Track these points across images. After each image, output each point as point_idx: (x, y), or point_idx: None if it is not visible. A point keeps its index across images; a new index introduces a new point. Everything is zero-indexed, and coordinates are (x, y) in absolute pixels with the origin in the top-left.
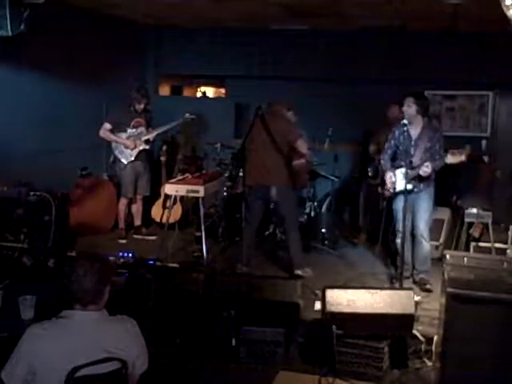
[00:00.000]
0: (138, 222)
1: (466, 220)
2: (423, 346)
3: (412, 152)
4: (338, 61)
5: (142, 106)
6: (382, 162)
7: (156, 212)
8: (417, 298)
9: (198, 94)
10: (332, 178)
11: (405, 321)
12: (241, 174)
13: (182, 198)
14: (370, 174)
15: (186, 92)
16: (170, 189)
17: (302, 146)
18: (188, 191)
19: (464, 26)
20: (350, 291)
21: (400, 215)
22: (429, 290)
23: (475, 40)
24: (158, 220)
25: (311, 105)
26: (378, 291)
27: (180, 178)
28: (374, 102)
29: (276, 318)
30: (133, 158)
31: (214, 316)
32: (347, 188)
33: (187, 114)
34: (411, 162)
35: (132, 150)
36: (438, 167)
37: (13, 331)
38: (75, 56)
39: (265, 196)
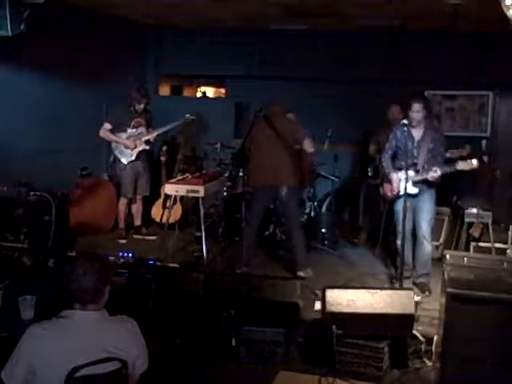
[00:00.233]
0: (138, 221)
1: (466, 220)
2: (423, 346)
3: (415, 154)
4: (338, 61)
5: (142, 106)
6: (383, 162)
7: (156, 212)
8: (417, 298)
9: (198, 94)
10: (332, 178)
11: (405, 321)
12: (241, 173)
13: (181, 197)
14: (369, 174)
15: (186, 92)
16: (170, 189)
17: (309, 144)
18: (188, 191)
19: (464, 26)
20: (349, 291)
21: (401, 216)
22: (429, 291)
23: (475, 40)
24: (158, 220)
25: (311, 105)
26: (378, 291)
27: (180, 178)
28: (374, 102)
29: (276, 318)
30: (133, 158)
31: (214, 316)
32: (347, 188)
33: (187, 115)
34: (415, 165)
35: (132, 150)
36: (447, 172)
37: (13, 331)
38: (75, 56)
39: (272, 196)
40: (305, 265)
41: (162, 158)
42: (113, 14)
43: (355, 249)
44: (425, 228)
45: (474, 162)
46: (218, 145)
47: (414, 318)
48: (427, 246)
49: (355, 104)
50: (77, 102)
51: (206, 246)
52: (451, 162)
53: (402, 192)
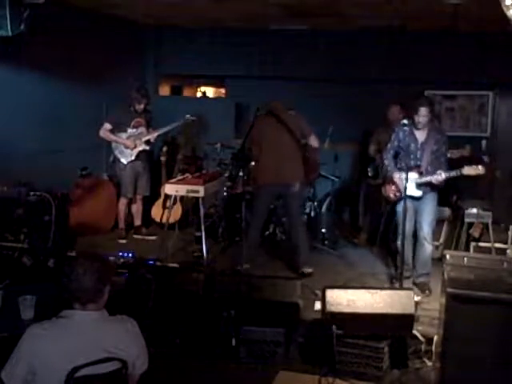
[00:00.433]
0: (138, 222)
1: (466, 220)
2: (423, 346)
3: (418, 156)
4: (338, 61)
5: (142, 106)
6: (385, 162)
7: (156, 212)
8: (417, 298)
9: (198, 94)
10: (332, 178)
11: (405, 321)
12: (241, 173)
13: (181, 197)
14: (369, 174)
15: (186, 92)
16: (170, 189)
17: (315, 139)
18: (188, 191)
19: (464, 26)
20: (350, 291)
21: (402, 217)
22: (429, 291)
23: (475, 40)
24: (158, 220)
25: (311, 105)
26: (378, 291)
27: (180, 178)
28: (374, 102)
29: (276, 317)
30: (133, 158)
31: (214, 316)
32: (347, 188)
33: (188, 115)
34: (418, 167)
35: (132, 150)
36: (452, 176)
37: (13, 331)
38: (75, 56)
39: (278, 194)
40: (308, 261)
41: (162, 158)
42: (113, 14)
43: (355, 249)
44: (426, 229)
45: (481, 167)
46: (218, 145)
47: (413, 317)
48: (428, 247)
49: (355, 104)
50: (77, 101)
51: (206, 246)
52: (456, 164)
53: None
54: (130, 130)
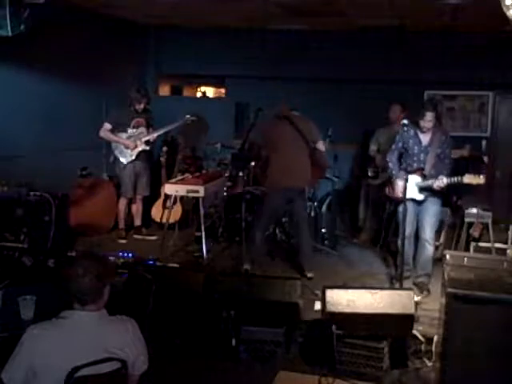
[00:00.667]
0: (138, 222)
1: (466, 220)
2: (423, 346)
3: (422, 159)
4: (338, 61)
5: (142, 106)
6: (389, 163)
7: (156, 212)
8: (417, 298)
9: (198, 94)
10: (332, 178)
11: (405, 321)
12: (241, 173)
13: (181, 197)
14: (369, 174)
15: (186, 92)
16: (170, 189)
17: (322, 146)
18: (188, 191)
19: (464, 26)
20: (350, 291)
21: (401, 217)
22: (428, 291)
23: (475, 40)
24: (158, 220)
25: (311, 105)
26: (378, 291)
27: (180, 178)
28: (374, 101)
29: (276, 318)
30: (133, 158)
31: (214, 316)
32: (347, 188)
33: (188, 116)
34: (422, 169)
35: (132, 150)
36: (453, 183)
37: (13, 331)
38: (75, 56)
39: (288, 198)
40: (309, 266)
41: (162, 159)
42: (113, 14)
43: (355, 249)
44: (428, 231)
45: (482, 177)
46: (218, 145)
47: (413, 318)
48: (429, 249)
49: (355, 104)
50: (77, 101)
51: (206, 246)
52: (456, 164)
53: (408, 196)
54: (130, 130)
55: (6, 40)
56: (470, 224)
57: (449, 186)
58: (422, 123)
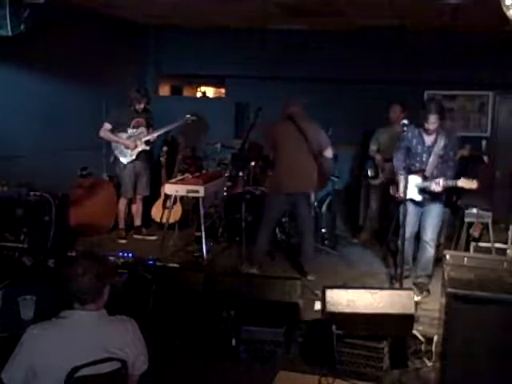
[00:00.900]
0: (138, 222)
1: (466, 220)
2: (423, 346)
3: (424, 159)
4: (338, 61)
5: (142, 106)
6: (394, 162)
7: (156, 212)
8: (417, 298)
9: (198, 94)
10: (332, 177)
11: (405, 321)
12: (241, 173)
13: (181, 197)
14: (369, 174)
15: (186, 92)
16: (170, 189)
17: (330, 152)
18: (188, 191)
19: (464, 26)
20: (350, 291)
21: (406, 219)
22: (427, 291)
23: (475, 40)
24: (158, 220)
25: (311, 105)
26: (378, 291)
27: (180, 178)
28: (374, 101)
29: (276, 317)
30: (133, 158)
31: (214, 316)
32: (347, 188)
33: (188, 115)
34: (423, 170)
35: (132, 150)
36: (448, 186)
37: (13, 331)
38: (75, 56)
39: (293, 203)
40: (311, 269)
41: (162, 159)
42: (113, 14)
43: (355, 249)
44: (429, 233)
45: (475, 182)
46: (218, 145)
47: (413, 318)
48: (430, 251)
49: (355, 104)
50: (77, 101)
51: (206, 246)
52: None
53: (408, 196)
54: (130, 130)
55: (6, 40)
56: (470, 224)
57: (449, 188)
58: (426, 125)
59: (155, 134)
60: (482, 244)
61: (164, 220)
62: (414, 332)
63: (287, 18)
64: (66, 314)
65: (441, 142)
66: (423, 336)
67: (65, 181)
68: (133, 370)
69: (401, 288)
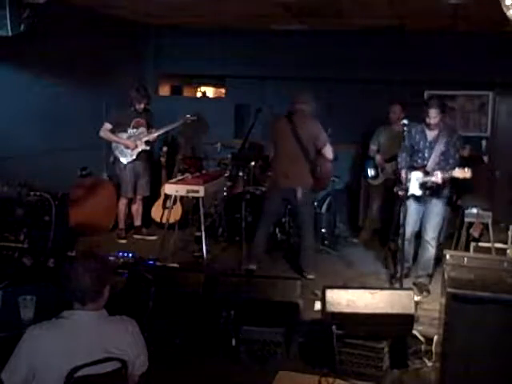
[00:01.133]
0: (138, 222)
1: (466, 220)
2: (423, 346)
3: (426, 155)
4: (338, 61)
5: (142, 106)
6: (398, 160)
7: (156, 212)
8: (417, 298)
9: (198, 94)
10: (332, 177)
11: (405, 321)
12: (241, 173)
13: (181, 198)
14: (369, 174)
15: (186, 92)
16: (170, 189)
17: (329, 151)
18: (188, 191)
19: (464, 25)
20: (350, 291)
21: (407, 218)
22: (427, 291)
23: (475, 40)
24: (158, 220)
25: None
26: (378, 291)
27: (180, 178)
28: (374, 102)
29: (276, 317)
30: (133, 158)
31: (214, 316)
32: (347, 188)
33: (188, 115)
34: (425, 166)
35: (132, 150)
36: (446, 178)
37: (13, 331)
38: (75, 56)
39: (288, 198)
40: (310, 268)
41: (162, 159)
42: (113, 14)
43: (355, 249)
44: (430, 233)
45: (468, 171)
46: (218, 145)
47: (413, 318)
48: (431, 251)
49: (355, 104)
50: (77, 101)
51: (206, 246)
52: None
53: (410, 192)
54: (130, 130)
55: (5, 40)
56: (470, 224)
57: (451, 188)
58: (427, 120)
59: (155, 134)
60: (481, 244)
61: (164, 220)
62: (414, 332)
63: (287, 18)
64: (65, 314)
65: (443, 139)
66: (423, 336)
67: (65, 181)
68: (133, 370)
69: (401, 288)
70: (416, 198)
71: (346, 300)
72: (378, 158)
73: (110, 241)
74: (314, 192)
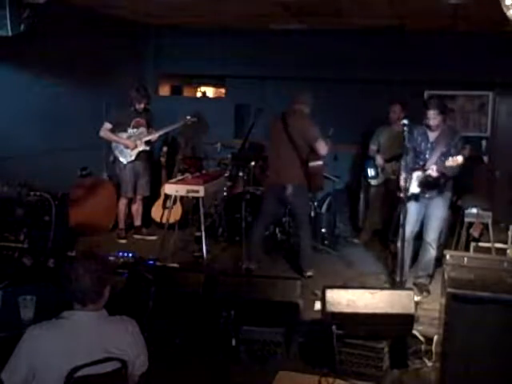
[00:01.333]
0: (137, 222)
1: (466, 220)
2: (423, 346)
3: (427, 156)
4: (338, 61)
5: (142, 106)
6: (402, 163)
7: (156, 212)
8: (417, 298)
9: (198, 94)
10: (332, 177)
11: (405, 321)
12: (241, 173)
13: (181, 197)
14: (369, 174)
15: (186, 92)
16: (170, 189)
17: (322, 147)
18: (188, 191)
19: (464, 25)
20: (350, 291)
21: (407, 219)
22: (427, 292)
23: (475, 40)
24: (158, 220)
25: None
26: (378, 291)
27: (180, 178)
28: (374, 102)
29: (276, 317)
30: (133, 158)
31: (214, 316)
32: (347, 188)
33: (188, 117)
34: (424, 165)
35: (132, 150)
36: (440, 170)
37: (13, 331)
38: (75, 56)
39: (280, 195)
40: (311, 265)
41: (162, 159)
42: (113, 14)
43: (355, 249)
44: (432, 235)
45: (460, 157)
46: (218, 145)
47: (413, 318)
48: (431, 252)
49: (355, 104)
50: (77, 101)
51: (206, 246)
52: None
53: (410, 192)
54: (130, 130)
55: (5, 40)
56: (470, 224)
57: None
58: (427, 122)
59: (156, 134)
60: (481, 244)
61: (164, 220)
62: (414, 332)
63: (287, 18)
64: (65, 314)
65: (444, 140)
66: (423, 336)
67: (65, 181)
68: (133, 370)
69: (401, 288)
70: (416, 198)
71: (346, 300)
72: (378, 158)
73: (110, 241)
74: (310, 192)
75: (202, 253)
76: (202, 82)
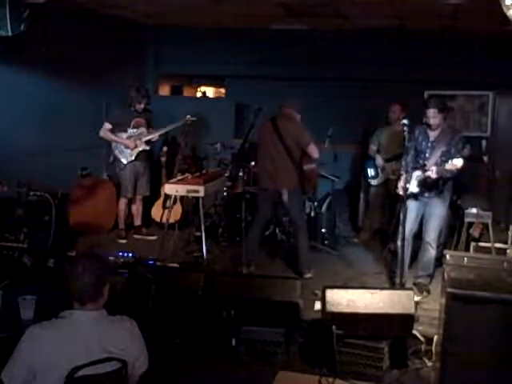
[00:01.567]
0: (138, 222)
1: (466, 220)
2: (423, 346)
3: (428, 154)
4: (338, 61)
5: (142, 106)
6: (403, 163)
7: (156, 212)
8: (417, 298)
9: (198, 94)
10: (332, 178)
11: (405, 321)
12: (241, 173)
13: (181, 197)
14: (369, 174)
15: (186, 92)
16: (170, 189)
17: (314, 150)
18: (188, 191)
19: (464, 26)
20: (350, 291)
21: (406, 217)
22: (427, 292)
23: (475, 40)
24: (158, 220)
25: (311, 105)
26: (378, 291)
27: (180, 178)
28: (374, 102)
29: (276, 317)
30: (133, 158)
31: (214, 316)
32: (347, 188)
33: (188, 116)
34: (425, 165)
35: (132, 150)
36: (441, 172)
37: (13, 331)
38: (75, 56)
39: (275, 200)
40: (310, 266)
41: (162, 159)
42: (113, 14)
43: (355, 249)
44: (431, 235)
45: (460, 160)
46: (218, 145)
47: (413, 318)
48: (431, 252)
49: (355, 104)
50: (77, 101)
51: (206, 245)
52: None
53: (409, 191)
54: (130, 130)
55: (6, 40)
56: (470, 224)
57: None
58: (427, 121)
59: (156, 134)
60: (482, 244)
61: (164, 220)
62: (414, 332)
63: (287, 18)
64: (65, 314)
65: (444, 139)
66: (423, 336)
67: (65, 181)
68: (133, 370)
69: (401, 288)
70: (415, 197)
71: (346, 300)
72: (378, 157)
73: (110, 241)
74: (303, 194)
75: (202, 253)
76: (202, 82)
